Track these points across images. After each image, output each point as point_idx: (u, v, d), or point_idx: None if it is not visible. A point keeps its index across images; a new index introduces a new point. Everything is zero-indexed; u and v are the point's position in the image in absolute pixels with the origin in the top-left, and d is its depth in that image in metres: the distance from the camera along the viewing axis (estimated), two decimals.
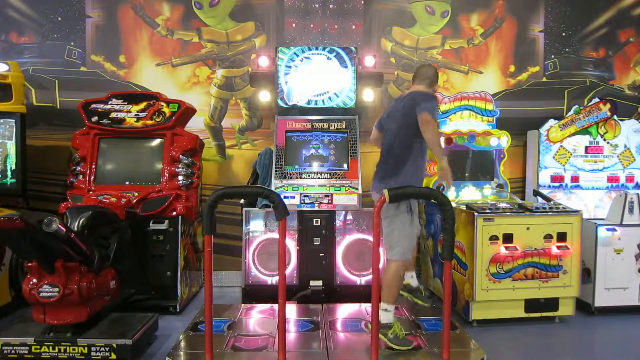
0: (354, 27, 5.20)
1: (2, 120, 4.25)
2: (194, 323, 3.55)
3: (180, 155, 4.25)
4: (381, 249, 3.45)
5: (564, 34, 5.38)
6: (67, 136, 4.60)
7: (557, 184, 4.80)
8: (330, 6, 5.18)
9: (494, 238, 3.84)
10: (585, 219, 4.07)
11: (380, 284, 3.11)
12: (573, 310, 4.01)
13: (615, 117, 4.81)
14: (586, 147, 4.83)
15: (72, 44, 5.01)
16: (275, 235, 4.19)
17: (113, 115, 4.33)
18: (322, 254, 4.27)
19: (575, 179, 4.81)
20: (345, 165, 4.43)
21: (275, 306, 3.17)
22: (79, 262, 3.07)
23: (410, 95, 3.28)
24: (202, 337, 2.92)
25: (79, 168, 4.28)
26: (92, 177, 4.24)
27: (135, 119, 4.32)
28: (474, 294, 3.83)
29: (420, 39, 5.26)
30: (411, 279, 3.54)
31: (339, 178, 4.34)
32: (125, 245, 3.62)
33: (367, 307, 3.82)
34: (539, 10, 5.36)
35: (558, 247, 3.89)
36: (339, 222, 4.34)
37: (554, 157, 4.81)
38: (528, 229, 3.89)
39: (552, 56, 5.38)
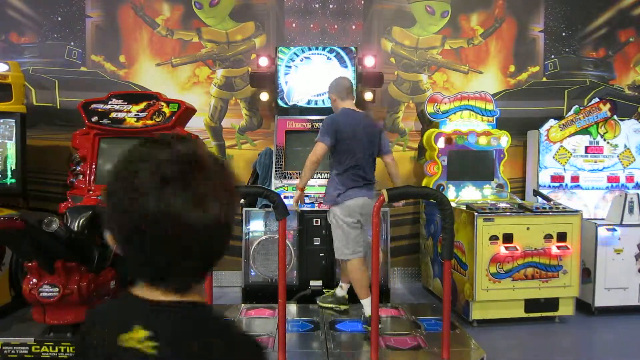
0: (354, 27, 5.20)
1: (2, 120, 4.24)
2: None
3: None
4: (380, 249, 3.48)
5: (564, 34, 5.38)
6: (67, 136, 4.59)
7: (557, 184, 4.80)
8: (330, 6, 5.18)
9: (494, 238, 3.84)
10: (585, 219, 4.08)
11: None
12: (573, 310, 4.01)
13: (615, 117, 4.81)
14: (586, 147, 4.82)
15: (72, 44, 5.00)
16: (275, 235, 4.19)
17: (113, 115, 4.33)
18: (322, 254, 4.26)
19: (575, 179, 4.81)
20: None
21: (275, 306, 3.18)
22: (78, 262, 3.07)
23: (374, 125, 3.71)
24: None
25: (79, 168, 4.27)
26: (92, 177, 4.23)
27: (135, 119, 4.32)
28: (474, 294, 3.83)
29: (420, 39, 5.25)
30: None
31: None
32: None
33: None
34: (539, 10, 5.35)
35: (558, 247, 3.89)
36: None
37: (554, 157, 4.81)
38: (528, 229, 3.89)
39: (552, 56, 5.38)
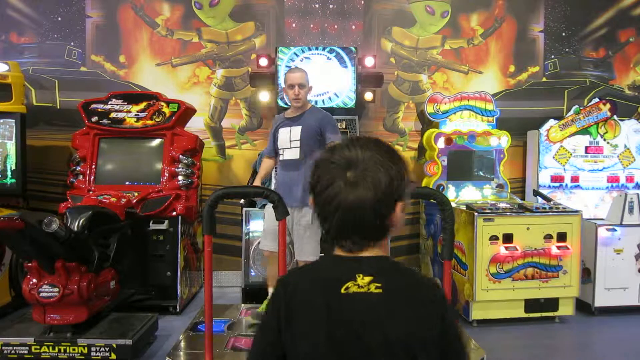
0: (354, 27, 5.20)
1: (2, 120, 4.25)
2: (194, 323, 3.55)
3: (180, 155, 4.25)
4: None
5: (564, 34, 5.38)
6: (67, 136, 4.60)
7: (557, 184, 4.80)
8: (330, 6, 5.17)
9: (494, 238, 3.84)
10: (585, 219, 4.08)
11: None
12: (573, 310, 4.01)
13: (615, 117, 4.81)
14: (586, 147, 4.82)
15: (72, 44, 5.00)
16: None
17: (113, 115, 4.33)
18: (322, 255, 4.25)
19: (575, 179, 4.80)
20: None
21: None
22: (78, 262, 3.07)
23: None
24: (202, 337, 2.92)
25: (79, 168, 4.28)
26: (92, 177, 4.24)
27: (135, 119, 4.32)
28: (474, 294, 3.83)
29: (420, 39, 5.25)
30: None
31: None
32: (125, 245, 3.62)
33: None
34: (539, 10, 5.35)
35: (558, 247, 3.89)
36: None
37: (554, 157, 4.81)
38: (528, 229, 3.89)
39: (552, 56, 5.38)
